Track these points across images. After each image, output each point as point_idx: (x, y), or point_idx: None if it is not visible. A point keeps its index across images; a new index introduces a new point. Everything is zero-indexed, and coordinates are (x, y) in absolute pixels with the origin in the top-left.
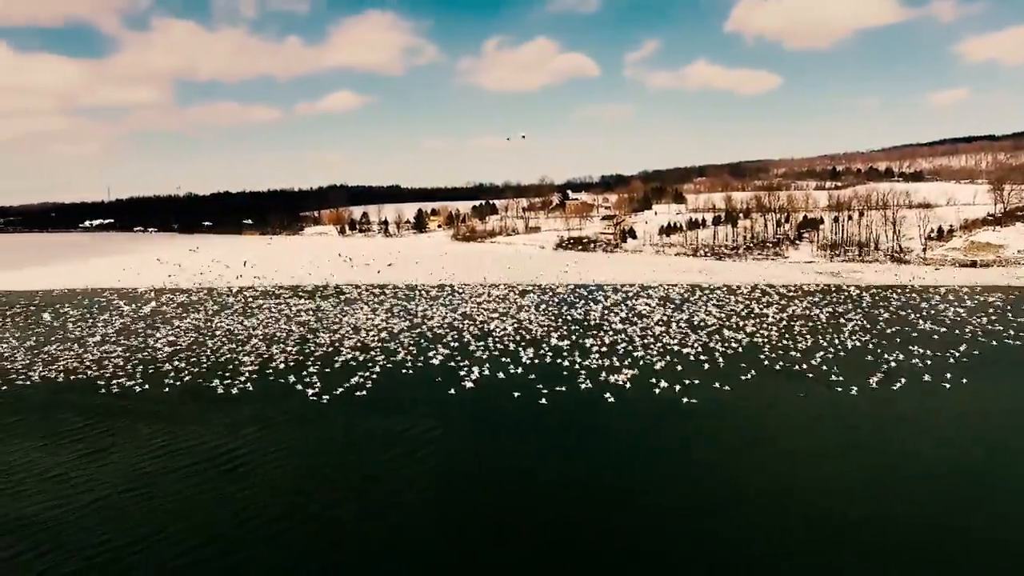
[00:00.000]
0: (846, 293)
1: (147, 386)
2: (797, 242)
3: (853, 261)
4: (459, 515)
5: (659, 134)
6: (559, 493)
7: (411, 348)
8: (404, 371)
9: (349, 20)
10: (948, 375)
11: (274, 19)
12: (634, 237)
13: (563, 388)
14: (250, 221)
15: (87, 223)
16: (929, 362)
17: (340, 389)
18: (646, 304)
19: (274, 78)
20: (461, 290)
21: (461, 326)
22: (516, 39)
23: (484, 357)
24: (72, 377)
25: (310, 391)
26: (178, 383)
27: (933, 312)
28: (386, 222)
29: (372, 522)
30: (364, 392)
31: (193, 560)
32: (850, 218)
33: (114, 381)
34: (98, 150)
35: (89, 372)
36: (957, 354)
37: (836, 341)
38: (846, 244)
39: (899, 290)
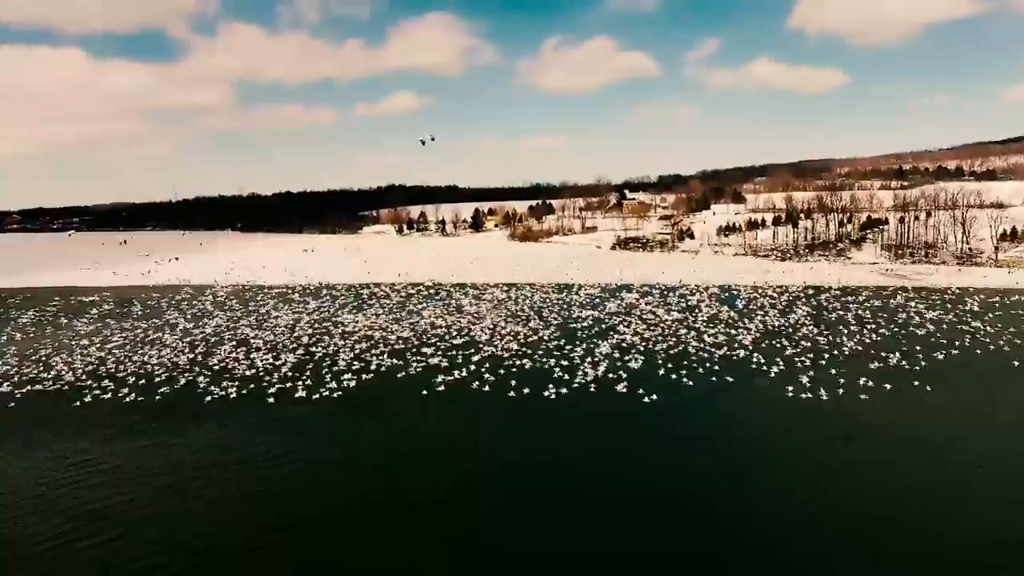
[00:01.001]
0: (912, 294)
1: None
2: (860, 243)
3: (919, 262)
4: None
5: (719, 133)
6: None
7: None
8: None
9: (408, 22)
10: None
11: (335, 22)
12: (691, 237)
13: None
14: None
15: (149, 226)
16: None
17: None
18: (706, 305)
19: (334, 80)
20: (523, 288)
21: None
22: (574, 39)
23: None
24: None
25: (422, 390)
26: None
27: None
28: (443, 222)
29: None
30: (479, 385)
31: (251, 550)
32: (916, 218)
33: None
34: (166, 152)
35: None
36: None
37: (904, 343)
38: (912, 245)
39: (969, 292)
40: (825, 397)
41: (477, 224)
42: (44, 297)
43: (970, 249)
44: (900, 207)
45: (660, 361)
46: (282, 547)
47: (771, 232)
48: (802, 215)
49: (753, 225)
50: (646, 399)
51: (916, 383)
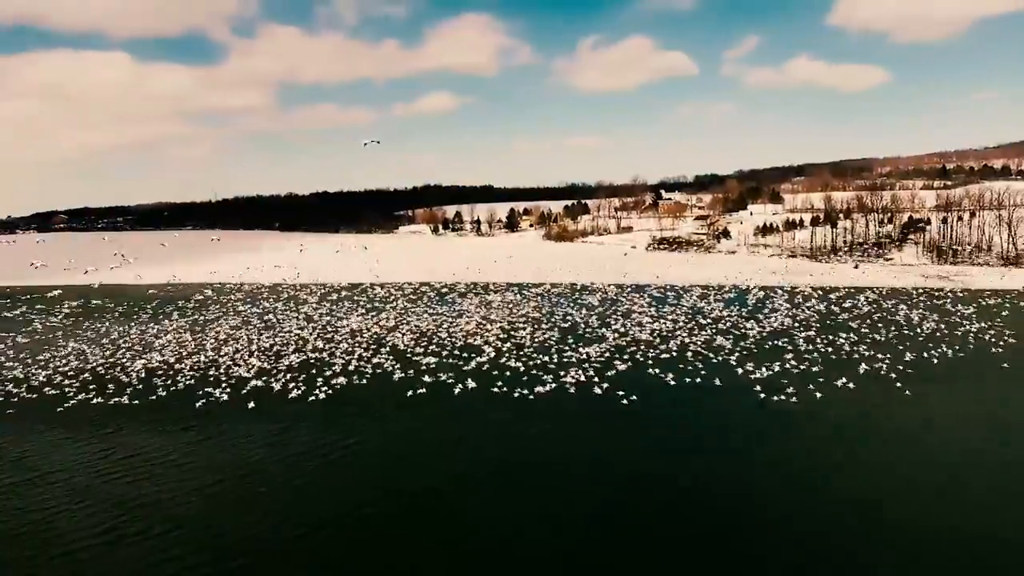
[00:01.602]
0: (954, 296)
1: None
2: (901, 244)
3: (963, 263)
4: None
5: (756, 133)
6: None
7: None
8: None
9: (445, 23)
10: None
11: (373, 23)
12: (728, 237)
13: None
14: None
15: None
16: None
17: (487, 388)
18: (726, 306)
19: (371, 80)
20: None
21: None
22: (611, 38)
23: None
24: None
25: (457, 389)
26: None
27: None
28: (479, 221)
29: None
30: (498, 388)
31: (300, 547)
32: (960, 219)
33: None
34: (207, 152)
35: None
36: None
37: (948, 346)
38: (955, 246)
39: (1013, 294)
40: (796, 400)
41: (512, 224)
42: (138, 295)
43: (1017, 250)
44: (943, 207)
45: (651, 362)
46: (316, 547)
47: (809, 233)
48: (841, 215)
49: (791, 225)
50: (624, 400)
51: (899, 384)
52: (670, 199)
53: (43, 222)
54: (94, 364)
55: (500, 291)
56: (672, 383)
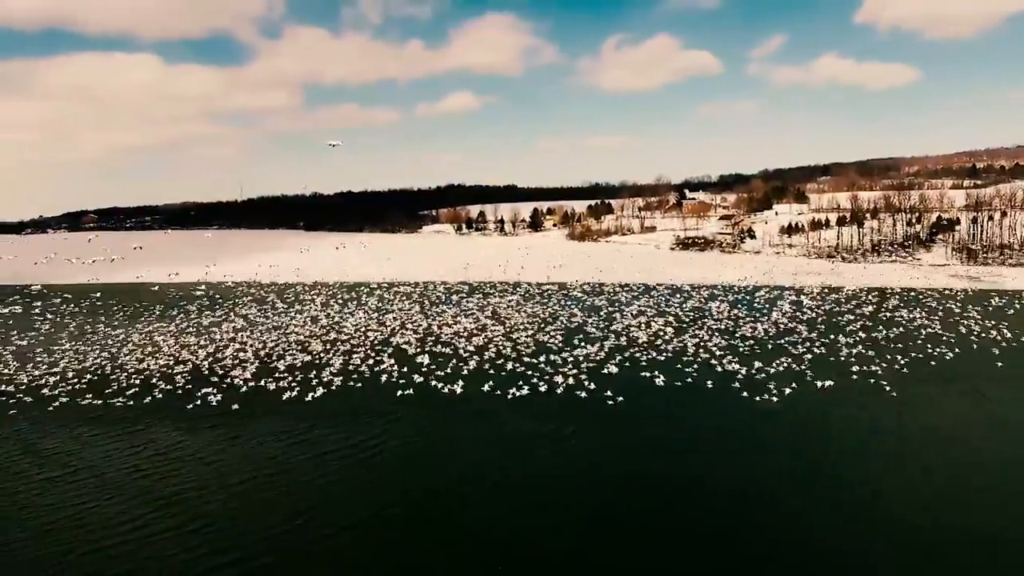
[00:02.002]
0: (984, 297)
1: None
2: (929, 244)
3: (993, 264)
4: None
5: (782, 132)
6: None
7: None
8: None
9: (469, 23)
10: None
11: (397, 23)
12: (753, 237)
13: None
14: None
15: (214, 225)
16: None
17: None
18: (769, 306)
19: (396, 81)
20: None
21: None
22: (636, 37)
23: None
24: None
25: (485, 387)
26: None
27: None
28: (502, 221)
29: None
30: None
31: (325, 546)
32: (991, 218)
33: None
34: (234, 152)
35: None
36: None
37: (975, 348)
38: (986, 246)
39: None
40: (776, 400)
41: (536, 224)
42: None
43: None
44: (973, 207)
45: (645, 363)
46: (343, 549)
47: (835, 232)
48: (868, 215)
49: (817, 225)
50: (610, 402)
51: (888, 387)
52: (694, 199)
53: (73, 221)
54: (121, 361)
55: (509, 291)
56: (676, 384)
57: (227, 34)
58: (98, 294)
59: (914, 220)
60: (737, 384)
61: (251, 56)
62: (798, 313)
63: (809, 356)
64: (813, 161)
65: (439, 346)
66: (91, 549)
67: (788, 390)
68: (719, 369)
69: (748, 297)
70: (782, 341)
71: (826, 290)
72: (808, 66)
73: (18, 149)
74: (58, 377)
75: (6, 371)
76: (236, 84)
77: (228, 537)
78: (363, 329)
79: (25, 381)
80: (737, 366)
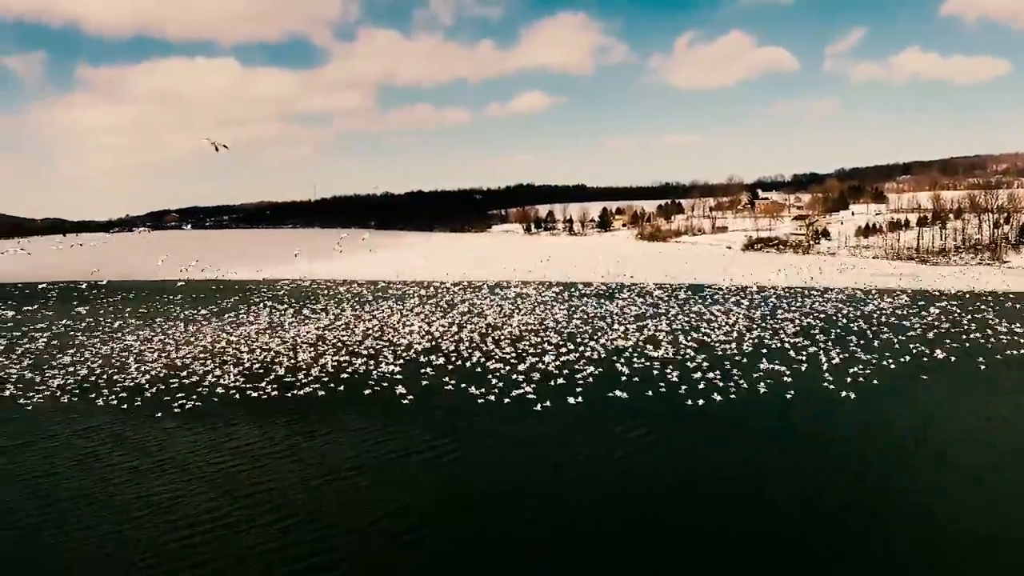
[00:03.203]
0: None
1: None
2: (1020, 246)
3: None
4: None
5: (859, 130)
6: None
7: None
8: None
9: (540, 22)
10: None
11: (468, 24)
12: (828, 238)
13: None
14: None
15: (288, 224)
16: None
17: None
18: (847, 309)
19: (467, 81)
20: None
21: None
22: (709, 34)
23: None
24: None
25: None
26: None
27: None
28: (571, 220)
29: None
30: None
31: (400, 544)
32: None
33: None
34: (307, 153)
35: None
36: None
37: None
38: None
39: None
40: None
41: (605, 223)
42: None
43: None
44: None
45: (620, 368)
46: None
47: (915, 234)
48: (951, 215)
49: (895, 226)
50: (537, 407)
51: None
52: (767, 199)
53: (157, 220)
54: (203, 356)
55: (608, 291)
56: (782, 391)
57: (303, 37)
58: (216, 288)
59: (1002, 220)
60: (837, 387)
61: (326, 58)
62: (882, 317)
63: (895, 362)
64: (892, 160)
65: (529, 348)
66: (175, 539)
67: (885, 395)
68: (814, 375)
69: (824, 299)
70: (864, 343)
71: (906, 293)
72: (888, 61)
73: (109, 152)
74: (146, 370)
75: (113, 364)
76: (311, 86)
77: (311, 533)
78: (453, 328)
79: (121, 374)
80: (829, 370)
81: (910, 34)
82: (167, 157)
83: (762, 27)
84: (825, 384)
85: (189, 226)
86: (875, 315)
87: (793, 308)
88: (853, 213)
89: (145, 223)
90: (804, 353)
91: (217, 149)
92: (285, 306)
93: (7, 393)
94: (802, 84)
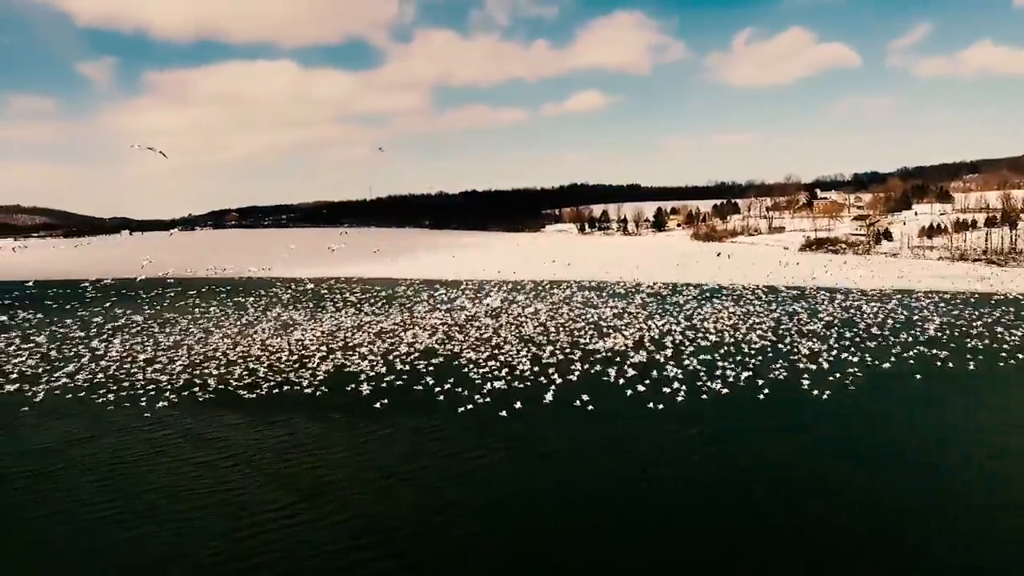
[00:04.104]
0: None
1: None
2: None
3: None
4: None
5: (923, 127)
6: None
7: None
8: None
9: (596, 22)
10: None
11: (524, 24)
12: (889, 239)
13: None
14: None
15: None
16: None
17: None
18: (911, 312)
19: (523, 80)
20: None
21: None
22: (768, 31)
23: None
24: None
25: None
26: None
27: None
28: (625, 220)
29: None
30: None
31: (467, 547)
32: None
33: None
34: (363, 153)
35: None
36: None
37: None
38: None
39: None
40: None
41: (659, 223)
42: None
43: None
44: None
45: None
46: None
47: (983, 234)
48: (1022, 215)
49: (962, 226)
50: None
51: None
52: (826, 198)
53: (218, 219)
54: (278, 353)
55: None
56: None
57: (361, 39)
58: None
59: None
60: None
61: (383, 59)
62: (948, 320)
63: (958, 370)
64: (958, 158)
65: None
66: (245, 535)
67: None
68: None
69: (886, 302)
70: (927, 351)
71: (973, 296)
72: (956, 56)
73: (172, 153)
74: (208, 366)
75: (194, 354)
76: (368, 87)
77: (375, 530)
78: (537, 327)
79: (198, 368)
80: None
81: (981, 27)
82: (227, 158)
83: (822, 23)
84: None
85: (269, 221)
86: (944, 318)
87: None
88: (916, 213)
89: (206, 222)
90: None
91: (165, 156)
92: (357, 304)
93: (72, 384)
94: (864, 81)
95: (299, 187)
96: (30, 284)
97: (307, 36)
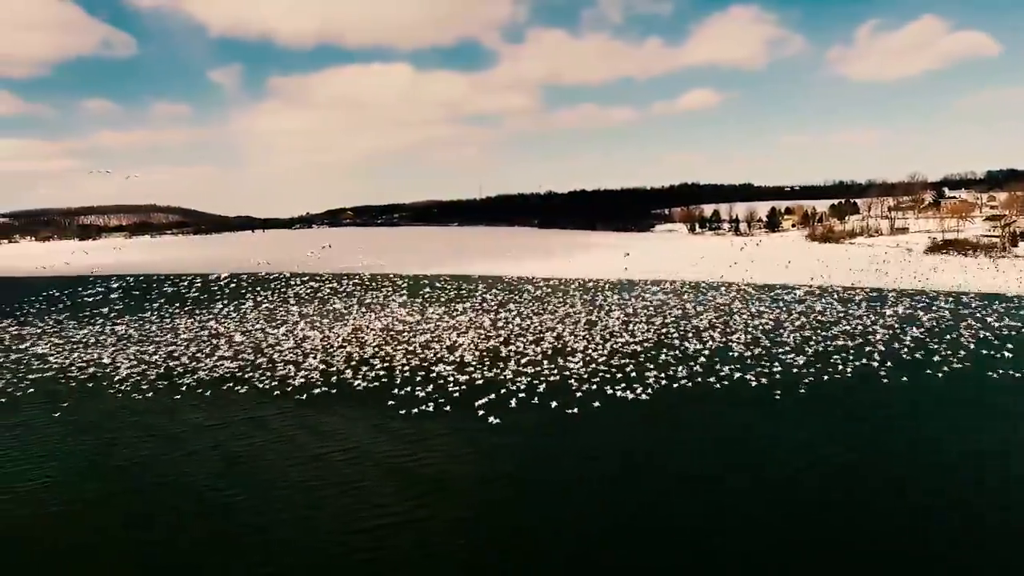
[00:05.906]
0: None
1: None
2: None
3: None
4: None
5: None
6: None
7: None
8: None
9: (711, 18)
10: None
11: (637, 22)
12: None
13: None
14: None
15: (454, 222)
16: None
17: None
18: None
19: (633, 79)
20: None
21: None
22: (896, 20)
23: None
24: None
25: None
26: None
27: None
28: (737, 220)
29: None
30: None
31: (572, 554)
32: None
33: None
34: (474, 153)
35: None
36: None
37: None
38: None
39: None
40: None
41: (773, 224)
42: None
43: None
44: None
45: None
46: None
47: None
48: None
49: None
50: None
51: None
52: (954, 198)
53: (333, 218)
54: (396, 350)
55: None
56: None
57: (474, 41)
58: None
59: None
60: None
61: (495, 60)
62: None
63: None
64: None
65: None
66: (361, 528)
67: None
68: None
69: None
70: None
71: None
72: None
73: (292, 154)
74: (325, 359)
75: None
76: (480, 88)
77: (495, 529)
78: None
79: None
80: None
81: None
82: (343, 158)
83: (958, 10)
84: None
85: (382, 220)
86: None
87: None
88: None
89: (323, 220)
90: None
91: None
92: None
93: (194, 379)
94: (1003, 70)
95: (410, 186)
96: (225, 276)
97: (423, 39)
